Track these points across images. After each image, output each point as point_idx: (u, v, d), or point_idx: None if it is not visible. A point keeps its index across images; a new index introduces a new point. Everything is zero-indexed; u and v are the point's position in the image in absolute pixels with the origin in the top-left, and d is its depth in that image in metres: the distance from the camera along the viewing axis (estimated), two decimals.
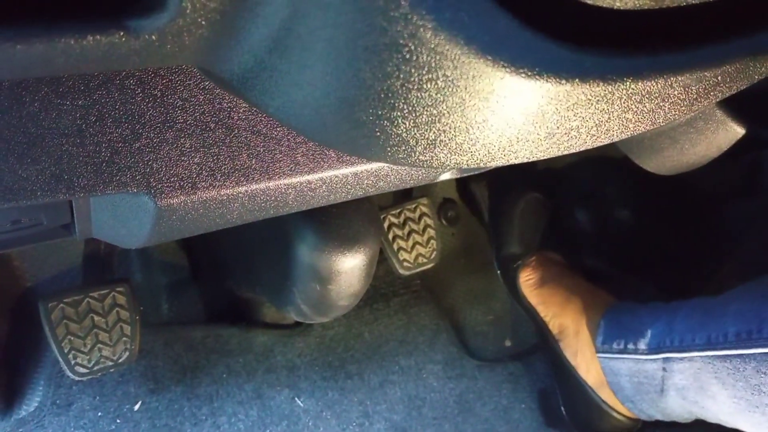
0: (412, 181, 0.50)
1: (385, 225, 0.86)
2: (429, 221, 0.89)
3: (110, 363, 0.70)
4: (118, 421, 0.83)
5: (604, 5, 0.24)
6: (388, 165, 0.45)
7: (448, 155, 0.28)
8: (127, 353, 0.70)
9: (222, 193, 0.39)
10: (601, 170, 1.04)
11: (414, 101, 0.24)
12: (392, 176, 0.47)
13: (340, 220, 0.62)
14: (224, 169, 0.39)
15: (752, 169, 0.88)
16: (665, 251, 1.01)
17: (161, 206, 0.38)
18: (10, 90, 0.31)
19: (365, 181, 0.46)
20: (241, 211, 0.43)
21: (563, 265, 0.95)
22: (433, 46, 0.21)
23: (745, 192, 0.91)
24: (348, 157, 0.43)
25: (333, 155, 0.42)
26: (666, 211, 1.02)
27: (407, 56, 0.22)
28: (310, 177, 0.42)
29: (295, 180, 0.41)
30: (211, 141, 0.37)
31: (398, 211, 0.87)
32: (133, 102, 0.35)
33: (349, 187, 0.45)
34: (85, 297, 0.68)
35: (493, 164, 0.30)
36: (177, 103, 0.36)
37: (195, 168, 0.38)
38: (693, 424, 0.75)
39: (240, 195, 0.40)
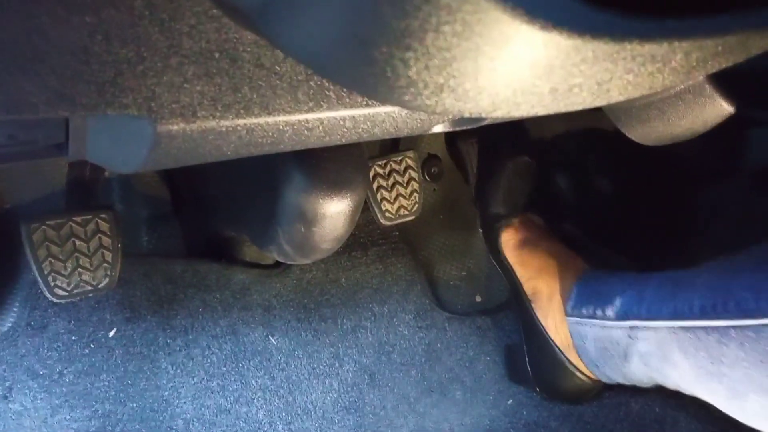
0: (407, 130, 0.51)
1: (371, 174, 0.87)
2: (414, 174, 0.90)
3: (89, 288, 0.70)
4: (92, 346, 0.84)
5: None
6: (384, 111, 0.46)
7: (454, 101, 0.29)
8: (107, 279, 0.71)
9: (221, 124, 0.40)
10: (586, 139, 1.05)
11: (429, 43, 0.24)
12: (388, 123, 0.47)
13: (329, 164, 0.63)
14: (225, 100, 0.39)
15: (734, 150, 0.90)
16: (640, 223, 1.04)
17: (160, 132, 0.39)
18: (19, 1, 0.30)
19: (361, 126, 0.46)
20: (237, 145, 0.43)
21: (544, 229, 0.98)
22: None
23: (724, 173, 0.93)
24: (347, 100, 0.43)
25: (333, 96, 0.42)
26: (646, 184, 1.04)
27: None
28: (308, 116, 0.42)
29: (293, 118, 0.42)
30: (214, 70, 0.38)
31: (384, 162, 0.88)
32: (140, 24, 0.34)
33: (344, 130, 0.46)
34: (68, 221, 0.68)
35: (495, 115, 0.31)
36: (183, 29, 0.36)
37: (197, 96, 0.38)
38: (652, 390, 0.79)
39: (239, 128, 0.41)
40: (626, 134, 0.62)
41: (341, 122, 0.45)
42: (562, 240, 0.96)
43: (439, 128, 0.54)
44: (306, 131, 0.44)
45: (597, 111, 0.71)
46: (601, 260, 0.93)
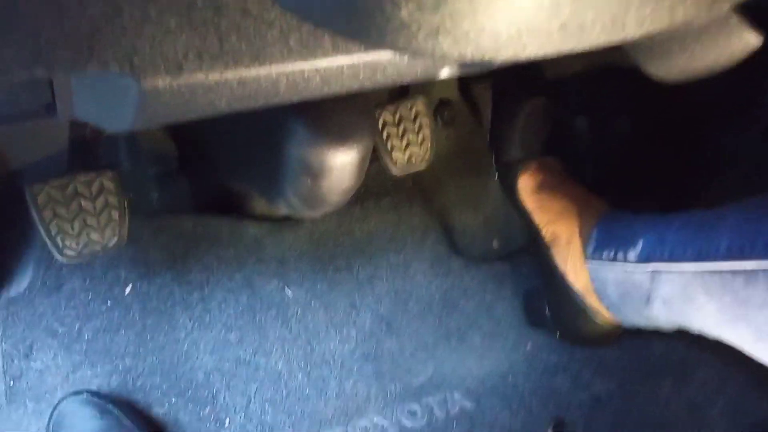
0: (410, 77, 0.48)
1: (380, 123, 0.84)
2: (425, 121, 0.87)
3: (98, 247, 0.70)
4: (109, 303, 0.85)
5: None
6: (386, 57, 0.43)
7: (452, 44, 0.26)
8: (116, 238, 0.71)
9: (210, 78, 0.37)
10: (604, 79, 1.01)
11: None
12: (390, 69, 0.44)
13: (333, 114, 0.60)
14: (212, 51, 0.36)
15: (756, 88, 0.85)
16: (661, 163, 1.01)
17: (145, 88, 0.37)
18: None
19: (361, 74, 0.43)
20: (230, 98, 0.41)
21: (562, 173, 0.95)
22: None
23: (747, 111, 0.89)
24: (344, 46, 0.40)
25: (328, 43, 0.39)
26: (665, 124, 1.00)
27: None
28: (303, 65, 0.40)
29: (287, 68, 0.39)
30: (198, 20, 0.35)
31: (393, 109, 0.85)
32: None
33: (344, 78, 0.43)
34: (72, 181, 0.67)
35: (500, 57, 0.29)
36: None
37: (181, 49, 0.36)
38: (672, 333, 0.78)
39: (229, 80, 0.38)
40: (645, 70, 0.58)
41: (339, 71, 0.42)
42: (580, 182, 0.93)
43: (446, 73, 0.51)
44: (302, 82, 0.42)
45: (615, 48, 0.67)
46: (621, 202, 0.90)
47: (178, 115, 0.43)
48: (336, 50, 0.40)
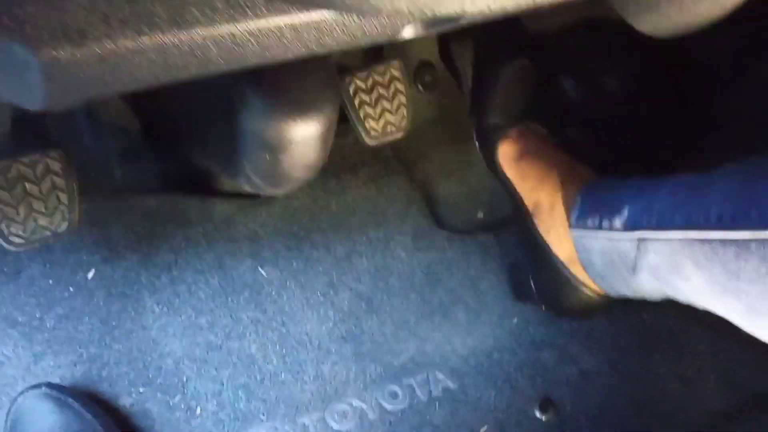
0: (365, 38, 0.42)
1: (351, 89, 0.78)
2: (400, 86, 0.81)
3: (48, 233, 0.65)
4: (71, 289, 0.80)
5: None
6: (332, 17, 0.38)
7: None
8: (66, 223, 0.66)
9: (120, 45, 0.32)
10: (592, 36, 0.95)
11: None
12: (339, 30, 0.39)
13: (290, 83, 0.55)
14: (120, 14, 0.31)
15: (756, 45, 0.79)
16: (652, 125, 0.96)
17: (44, 60, 0.31)
18: None
19: (305, 36, 0.38)
20: (152, 68, 0.35)
21: (545, 139, 0.90)
22: None
23: (744, 68, 0.84)
24: (280, 5, 0.35)
25: (261, 1, 0.34)
26: (657, 84, 0.95)
27: None
28: (232, 28, 0.34)
29: (213, 31, 0.34)
30: None
31: (366, 74, 0.79)
32: None
33: (286, 42, 0.38)
34: (13, 163, 0.62)
35: (444, 11, 0.24)
36: None
37: (82, 13, 0.30)
38: (662, 303, 0.74)
39: (145, 47, 0.33)
40: (635, 27, 0.53)
41: (278, 33, 0.37)
42: (566, 149, 0.88)
43: (408, 33, 0.46)
44: (236, 47, 0.36)
45: (601, 2, 0.62)
46: (610, 169, 0.85)
47: (99, 89, 0.38)
48: (271, 8, 0.35)
